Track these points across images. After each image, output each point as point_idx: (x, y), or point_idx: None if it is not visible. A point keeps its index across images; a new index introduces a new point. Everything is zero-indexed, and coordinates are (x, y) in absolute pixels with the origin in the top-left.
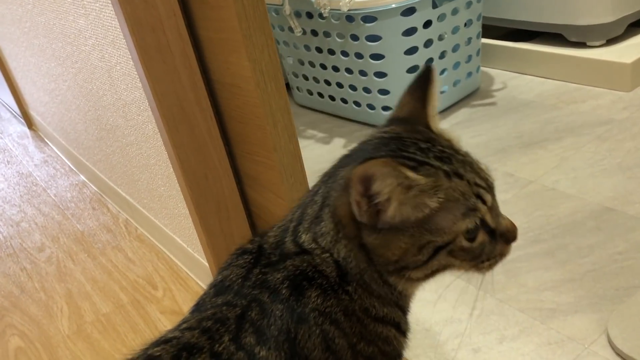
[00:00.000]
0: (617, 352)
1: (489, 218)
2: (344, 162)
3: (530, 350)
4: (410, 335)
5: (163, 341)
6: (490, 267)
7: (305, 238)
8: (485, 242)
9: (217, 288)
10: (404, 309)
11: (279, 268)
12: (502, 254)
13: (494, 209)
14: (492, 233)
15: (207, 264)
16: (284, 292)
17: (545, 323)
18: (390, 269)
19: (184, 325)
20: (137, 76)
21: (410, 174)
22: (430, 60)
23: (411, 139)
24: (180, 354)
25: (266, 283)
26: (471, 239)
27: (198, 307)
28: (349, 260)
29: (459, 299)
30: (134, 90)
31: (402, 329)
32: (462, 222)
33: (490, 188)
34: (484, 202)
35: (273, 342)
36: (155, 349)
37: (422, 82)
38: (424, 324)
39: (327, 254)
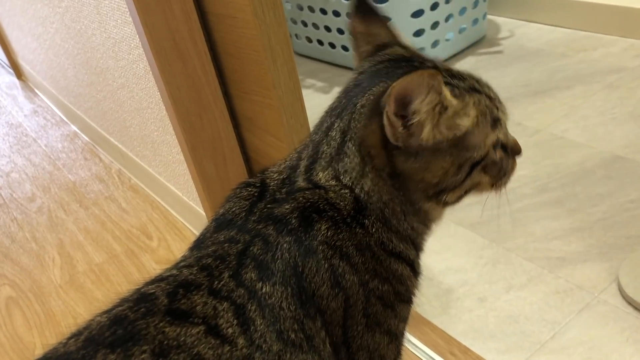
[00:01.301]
0: (628, 301)
1: (502, 134)
2: (355, 92)
3: (538, 299)
4: (421, 279)
5: (159, 279)
6: (505, 183)
7: (322, 176)
8: (503, 156)
9: (219, 222)
10: (418, 248)
11: (287, 200)
12: (513, 168)
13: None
14: (505, 148)
15: (203, 212)
16: (292, 222)
17: (553, 272)
18: (429, 193)
19: (182, 263)
20: (126, 10)
21: (448, 95)
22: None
23: (415, 60)
24: (177, 291)
25: (272, 215)
26: None
27: (198, 244)
28: (372, 194)
29: (465, 248)
30: (124, 26)
31: (415, 269)
32: (492, 134)
33: (499, 100)
34: (502, 112)
35: (279, 276)
36: (150, 286)
37: (365, 9)
38: (427, 272)
39: (347, 190)
